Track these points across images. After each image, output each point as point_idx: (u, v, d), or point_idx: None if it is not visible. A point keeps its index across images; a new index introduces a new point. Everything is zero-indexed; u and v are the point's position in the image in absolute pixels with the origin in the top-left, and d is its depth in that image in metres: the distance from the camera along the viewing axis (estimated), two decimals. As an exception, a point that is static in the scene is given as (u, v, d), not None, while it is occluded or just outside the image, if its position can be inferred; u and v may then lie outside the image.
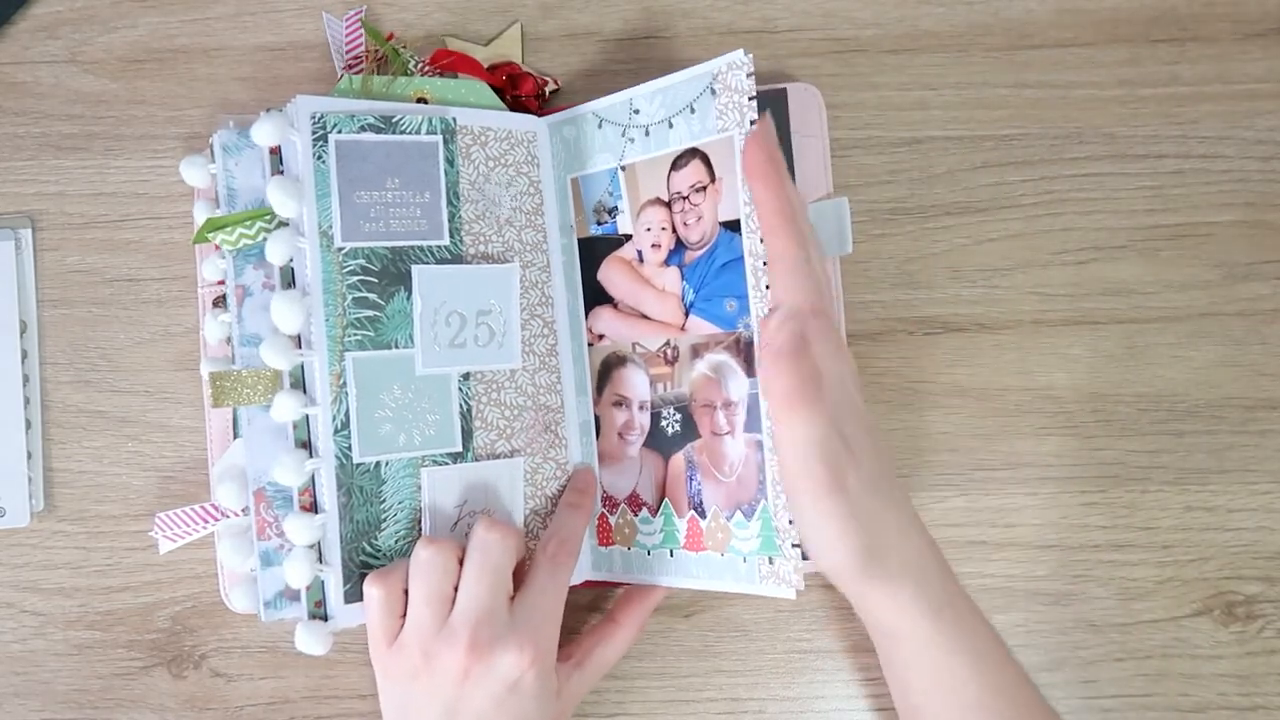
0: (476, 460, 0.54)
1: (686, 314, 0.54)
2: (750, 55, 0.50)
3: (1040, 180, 0.59)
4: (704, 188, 0.53)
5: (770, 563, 0.51)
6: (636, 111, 0.55)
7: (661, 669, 0.59)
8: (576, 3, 0.61)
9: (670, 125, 0.54)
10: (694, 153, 0.53)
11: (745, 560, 0.52)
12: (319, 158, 0.51)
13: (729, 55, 0.51)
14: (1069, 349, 0.59)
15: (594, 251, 0.57)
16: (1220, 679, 0.57)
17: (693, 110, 0.53)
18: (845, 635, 0.59)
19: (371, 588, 0.49)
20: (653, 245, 0.55)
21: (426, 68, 0.58)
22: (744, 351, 0.52)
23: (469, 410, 0.54)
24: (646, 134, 0.55)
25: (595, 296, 0.57)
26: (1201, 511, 0.58)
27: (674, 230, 0.54)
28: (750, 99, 0.51)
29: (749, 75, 0.51)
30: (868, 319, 0.59)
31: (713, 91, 0.52)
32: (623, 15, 0.61)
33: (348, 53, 0.60)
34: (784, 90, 0.58)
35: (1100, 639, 0.58)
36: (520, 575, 0.52)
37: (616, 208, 0.56)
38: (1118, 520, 0.58)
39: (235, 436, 0.56)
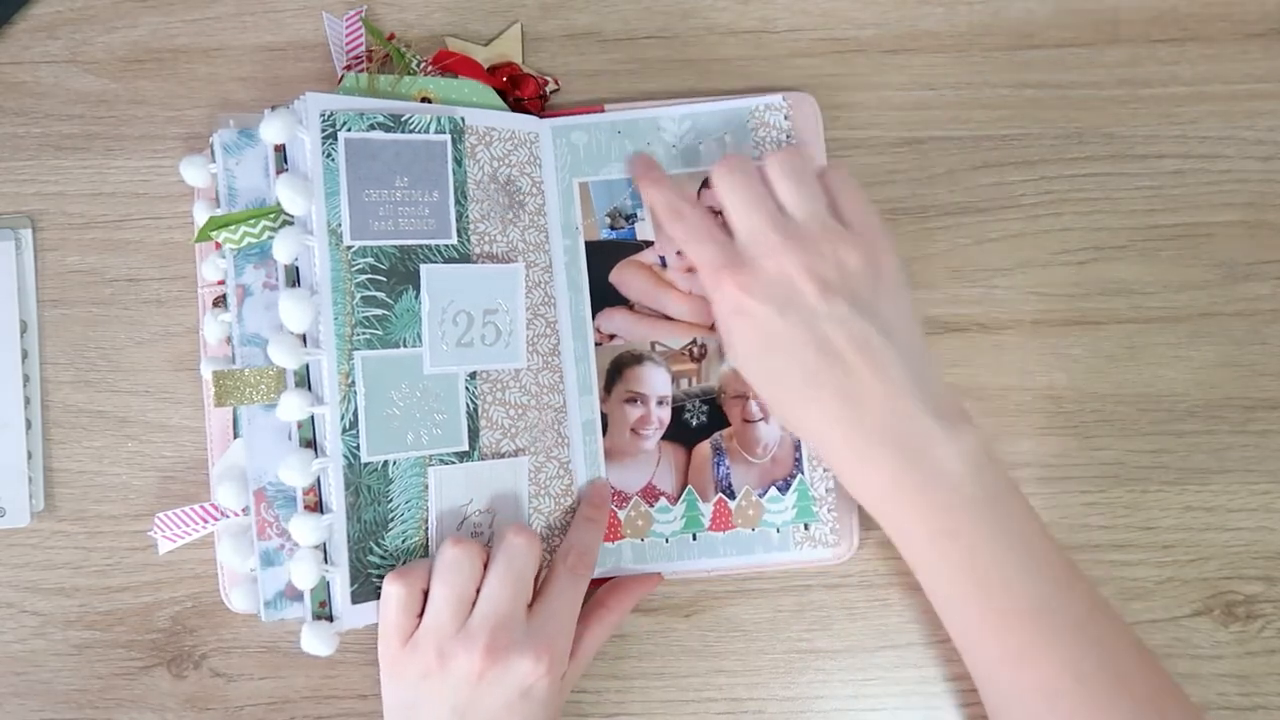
0: (482, 459, 0.54)
1: None
2: (788, 100, 0.52)
3: (1040, 180, 0.60)
4: None
5: (806, 529, 0.53)
6: (660, 129, 0.57)
7: (661, 669, 0.59)
8: (577, 3, 0.61)
9: (699, 148, 0.57)
10: None
11: (779, 531, 0.54)
12: (328, 156, 0.51)
13: (766, 98, 0.56)
14: (1069, 349, 0.59)
15: (605, 255, 0.58)
16: (1220, 679, 0.58)
17: (725, 140, 0.56)
18: (845, 635, 0.59)
19: (392, 585, 0.50)
20: (678, 253, 0.57)
21: (429, 68, 0.58)
22: None
23: (475, 409, 0.54)
24: (673, 149, 0.57)
25: (604, 298, 0.58)
26: (1201, 511, 0.58)
27: None
28: (788, 139, 0.55)
29: (786, 118, 0.55)
30: (868, 319, 0.59)
31: (749, 128, 0.56)
32: (623, 15, 0.61)
33: (348, 52, 0.60)
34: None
35: (1100, 638, 0.58)
36: (536, 584, 0.52)
37: (635, 215, 0.57)
38: (1118, 520, 0.59)
39: (235, 436, 0.56)
